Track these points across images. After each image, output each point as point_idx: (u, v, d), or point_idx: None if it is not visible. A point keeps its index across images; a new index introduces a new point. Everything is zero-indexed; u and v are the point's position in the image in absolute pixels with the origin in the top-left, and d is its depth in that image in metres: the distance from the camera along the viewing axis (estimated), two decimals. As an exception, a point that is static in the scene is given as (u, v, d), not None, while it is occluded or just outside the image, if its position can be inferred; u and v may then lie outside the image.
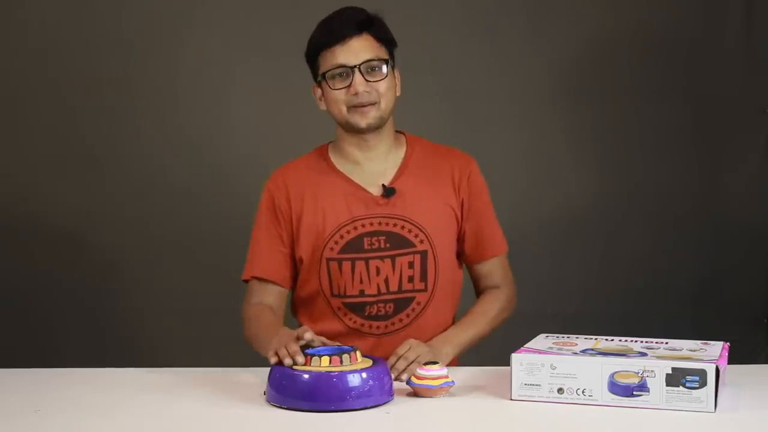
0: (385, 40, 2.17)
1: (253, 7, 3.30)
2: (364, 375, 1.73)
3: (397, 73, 2.20)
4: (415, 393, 1.82)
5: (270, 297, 2.21)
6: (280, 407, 1.73)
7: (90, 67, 3.29)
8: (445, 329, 2.20)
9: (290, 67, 2.39)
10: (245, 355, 2.11)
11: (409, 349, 2.01)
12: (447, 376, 1.82)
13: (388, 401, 1.77)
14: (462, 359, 2.21)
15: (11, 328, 3.27)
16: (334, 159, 2.23)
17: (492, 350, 2.11)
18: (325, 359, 1.75)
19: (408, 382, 1.83)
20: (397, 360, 1.99)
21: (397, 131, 2.26)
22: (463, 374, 1.96)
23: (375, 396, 1.74)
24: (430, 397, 1.81)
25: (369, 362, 1.79)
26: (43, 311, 3.31)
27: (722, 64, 3.35)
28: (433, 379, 1.80)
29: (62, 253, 3.32)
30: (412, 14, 3.28)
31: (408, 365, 1.96)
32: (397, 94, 2.19)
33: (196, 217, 3.32)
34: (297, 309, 2.28)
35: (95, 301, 3.32)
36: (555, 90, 3.36)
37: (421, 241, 2.16)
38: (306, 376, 1.72)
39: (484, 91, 3.33)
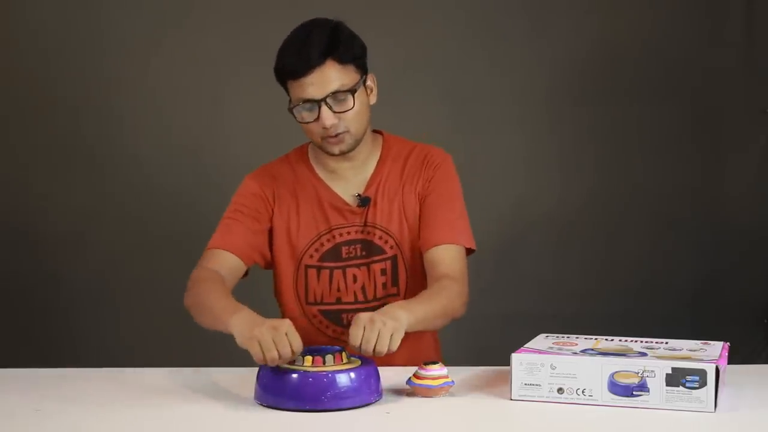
0: (352, 59, 2.06)
1: (251, 9, 3.30)
2: (352, 375, 1.74)
3: (370, 81, 2.12)
4: (415, 393, 1.82)
5: (225, 269, 2.11)
6: (269, 407, 1.74)
7: (90, 67, 3.29)
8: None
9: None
10: (245, 355, 2.10)
11: (363, 329, 1.79)
12: (447, 376, 1.82)
13: (376, 401, 1.76)
14: (462, 359, 2.20)
15: (11, 328, 3.27)
16: (314, 163, 2.21)
17: (492, 350, 2.11)
18: (308, 359, 1.76)
19: (408, 382, 1.83)
20: (360, 344, 1.79)
21: (374, 131, 2.22)
22: (463, 374, 1.95)
23: (361, 396, 1.74)
24: (430, 397, 1.81)
25: (357, 362, 1.78)
26: (44, 311, 3.31)
27: (722, 64, 3.35)
28: (433, 379, 1.80)
29: (62, 253, 3.32)
30: (412, 15, 3.28)
31: (375, 344, 1.78)
32: (371, 102, 2.13)
33: (195, 216, 3.30)
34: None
35: (95, 301, 3.32)
36: (555, 91, 3.36)
37: (391, 247, 2.16)
38: (294, 375, 1.73)
39: (484, 92, 3.33)
